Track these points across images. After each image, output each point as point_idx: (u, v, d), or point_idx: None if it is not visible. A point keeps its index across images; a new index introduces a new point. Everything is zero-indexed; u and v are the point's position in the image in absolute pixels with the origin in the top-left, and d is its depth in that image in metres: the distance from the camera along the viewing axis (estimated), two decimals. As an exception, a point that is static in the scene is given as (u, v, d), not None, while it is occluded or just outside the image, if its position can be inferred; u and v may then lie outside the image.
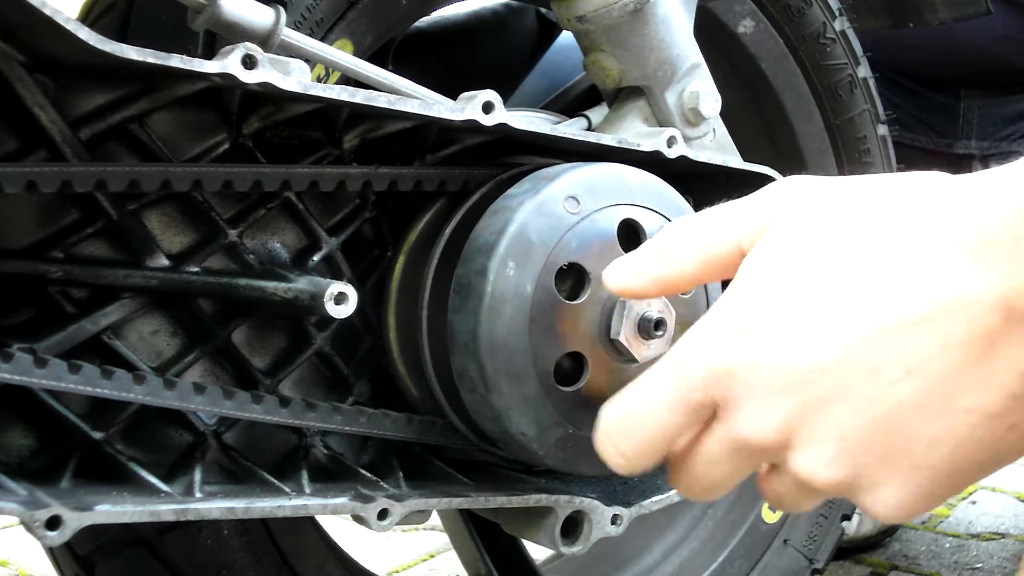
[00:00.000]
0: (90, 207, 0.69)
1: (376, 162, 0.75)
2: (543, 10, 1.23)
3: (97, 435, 0.70)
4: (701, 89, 0.89)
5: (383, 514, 0.67)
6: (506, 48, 1.24)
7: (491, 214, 0.70)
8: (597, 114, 0.97)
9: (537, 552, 1.07)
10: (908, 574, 1.59)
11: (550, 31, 1.25)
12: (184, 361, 0.73)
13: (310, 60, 0.77)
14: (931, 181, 0.50)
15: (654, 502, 0.79)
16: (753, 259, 0.52)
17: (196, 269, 0.72)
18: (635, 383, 0.55)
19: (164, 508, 0.61)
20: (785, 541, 1.21)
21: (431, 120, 0.71)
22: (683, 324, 0.62)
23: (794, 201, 0.53)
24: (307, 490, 0.69)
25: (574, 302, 0.68)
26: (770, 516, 1.20)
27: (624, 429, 0.55)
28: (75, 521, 0.56)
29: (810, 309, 0.49)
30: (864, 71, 1.16)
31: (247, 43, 0.63)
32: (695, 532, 1.20)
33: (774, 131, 1.17)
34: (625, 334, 0.68)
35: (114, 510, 0.58)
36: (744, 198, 0.55)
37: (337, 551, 0.96)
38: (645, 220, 0.72)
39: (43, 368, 0.60)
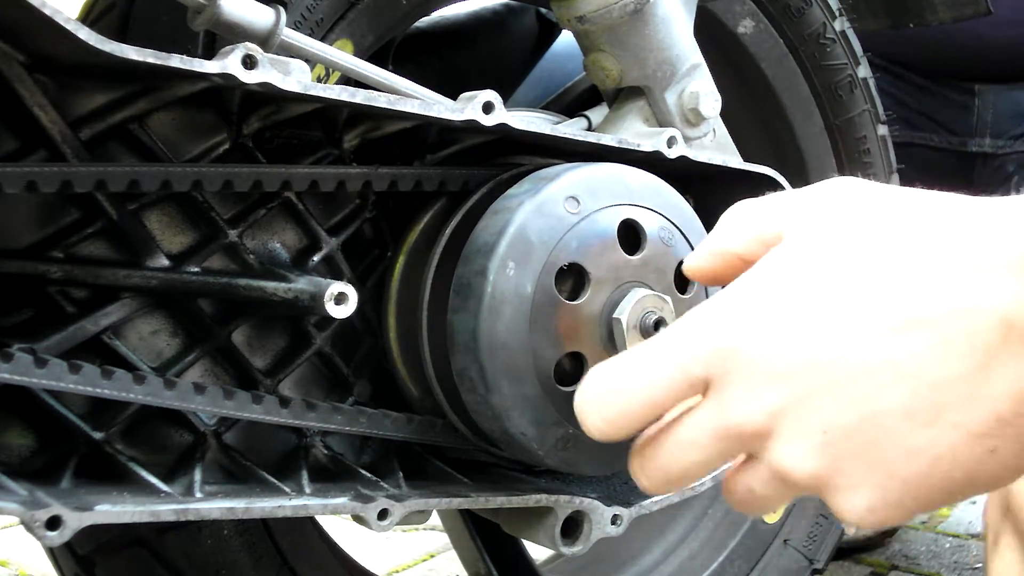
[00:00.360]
0: (90, 207, 0.69)
1: (376, 162, 0.75)
2: (543, 10, 1.23)
3: (97, 435, 0.70)
4: (701, 89, 0.89)
5: (383, 514, 0.67)
6: (506, 48, 1.24)
7: (491, 214, 0.70)
8: (597, 114, 0.97)
9: (537, 552, 1.07)
10: (908, 574, 1.59)
11: (550, 31, 1.25)
12: (184, 361, 0.73)
13: (310, 60, 0.77)
14: (957, 201, 0.50)
15: (654, 502, 0.79)
16: (777, 250, 0.53)
17: (196, 269, 0.72)
18: (631, 351, 0.55)
19: (164, 508, 0.61)
20: (785, 541, 1.21)
21: (431, 120, 0.71)
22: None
23: (831, 203, 0.53)
24: (307, 490, 0.69)
25: (574, 302, 0.68)
26: (770, 516, 1.20)
27: (612, 392, 0.54)
28: (75, 521, 0.56)
29: (819, 304, 0.49)
30: (864, 71, 1.17)
31: (247, 43, 0.63)
32: (695, 532, 1.20)
33: (774, 131, 1.17)
34: (627, 334, 0.68)
35: (114, 510, 0.58)
36: (800, 190, 0.56)
37: (337, 551, 0.96)
38: (645, 220, 0.72)
39: (43, 368, 0.60)
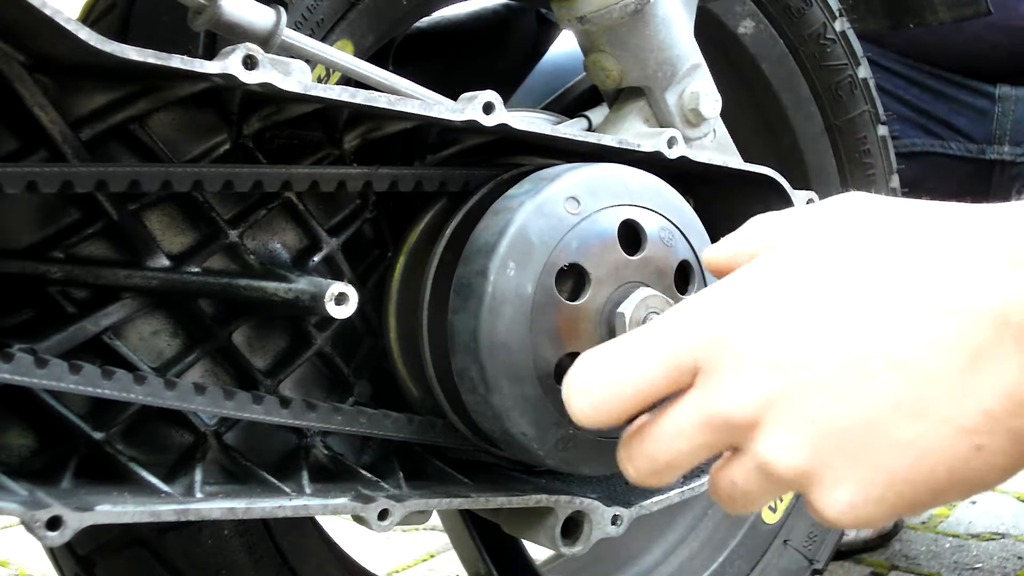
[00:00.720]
0: (90, 207, 0.69)
1: (376, 162, 0.75)
2: (543, 10, 1.23)
3: (98, 435, 0.70)
4: (701, 89, 0.89)
5: (383, 514, 0.67)
6: (506, 48, 1.24)
7: (491, 215, 0.70)
8: (597, 115, 0.97)
9: (537, 552, 1.07)
10: (908, 574, 1.59)
11: (550, 31, 1.25)
12: (185, 361, 0.73)
13: (311, 61, 0.77)
14: (952, 206, 0.51)
15: (654, 502, 0.79)
16: (773, 249, 0.54)
17: (197, 269, 0.72)
18: (621, 338, 0.55)
19: (164, 508, 0.61)
20: (785, 541, 1.21)
21: (432, 120, 0.71)
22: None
23: (833, 211, 0.54)
24: (307, 490, 0.69)
25: (574, 303, 0.68)
26: (770, 516, 1.20)
27: (601, 377, 0.55)
28: (76, 521, 0.56)
29: (811, 296, 0.50)
30: (864, 71, 1.16)
31: (248, 44, 0.63)
32: (695, 532, 1.20)
33: (774, 131, 1.17)
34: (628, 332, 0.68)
35: (114, 510, 0.58)
36: (815, 203, 0.58)
37: (337, 551, 0.96)
38: (645, 221, 0.72)
39: (43, 368, 0.60)
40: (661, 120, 0.89)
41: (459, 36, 1.21)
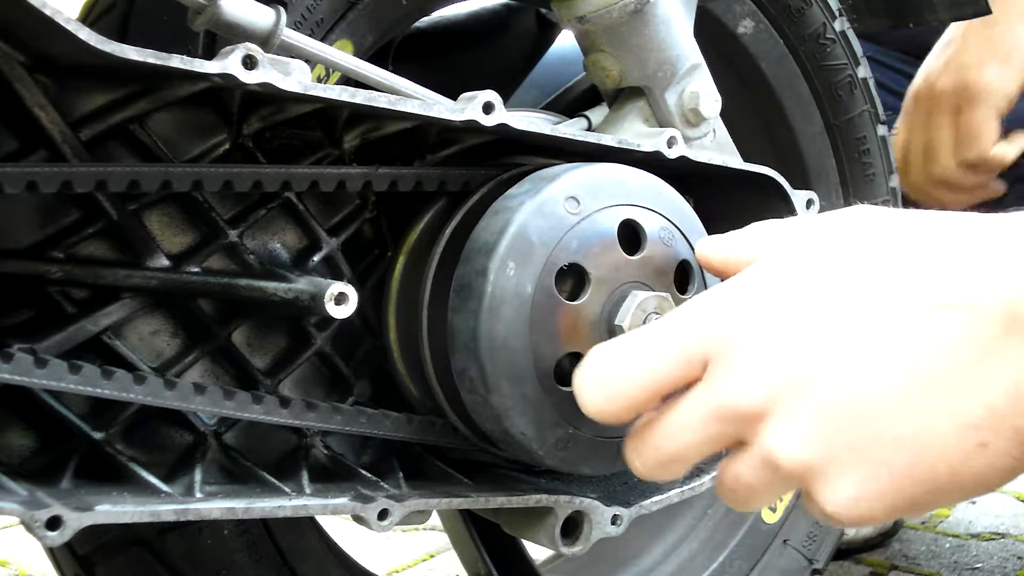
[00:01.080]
0: (90, 207, 0.69)
1: (376, 162, 0.75)
2: (543, 10, 1.23)
3: (97, 435, 0.70)
4: (701, 89, 0.89)
5: (383, 514, 0.67)
6: (506, 48, 1.24)
7: (491, 214, 0.70)
8: (597, 114, 0.97)
9: (537, 552, 1.07)
10: (908, 574, 1.59)
11: (550, 31, 1.25)
12: (184, 361, 0.73)
13: (310, 60, 0.77)
14: (959, 214, 0.51)
15: (654, 502, 0.79)
16: (782, 249, 0.54)
17: (196, 269, 0.72)
18: (632, 333, 0.57)
19: (164, 508, 0.61)
20: (785, 541, 1.21)
21: (431, 120, 0.71)
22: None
23: (841, 218, 0.55)
24: (307, 490, 0.69)
25: (574, 302, 0.68)
26: (770, 516, 1.20)
27: (614, 370, 0.55)
28: (75, 521, 0.56)
29: (819, 291, 0.50)
30: (864, 71, 1.16)
31: (247, 43, 0.63)
32: (695, 532, 1.20)
33: (774, 131, 1.17)
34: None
35: (114, 510, 0.58)
36: (821, 214, 0.58)
37: (337, 551, 0.96)
38: (645, 220, 0.72)
39: (43, 368, 0.60)
40: (661, 120, 0.89)
41: (459, 36, 1.21)
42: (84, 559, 0.84)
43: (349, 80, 0.83)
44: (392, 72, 0.82)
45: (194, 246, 0.73)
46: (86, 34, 0.58)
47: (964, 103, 1.41)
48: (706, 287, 0.74)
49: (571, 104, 1.08)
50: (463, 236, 0.71)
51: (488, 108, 0.71)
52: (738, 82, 1.14)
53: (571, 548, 0.76)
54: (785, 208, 0.85)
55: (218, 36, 0.79)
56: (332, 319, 0.66)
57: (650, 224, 0.72)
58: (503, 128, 0.71)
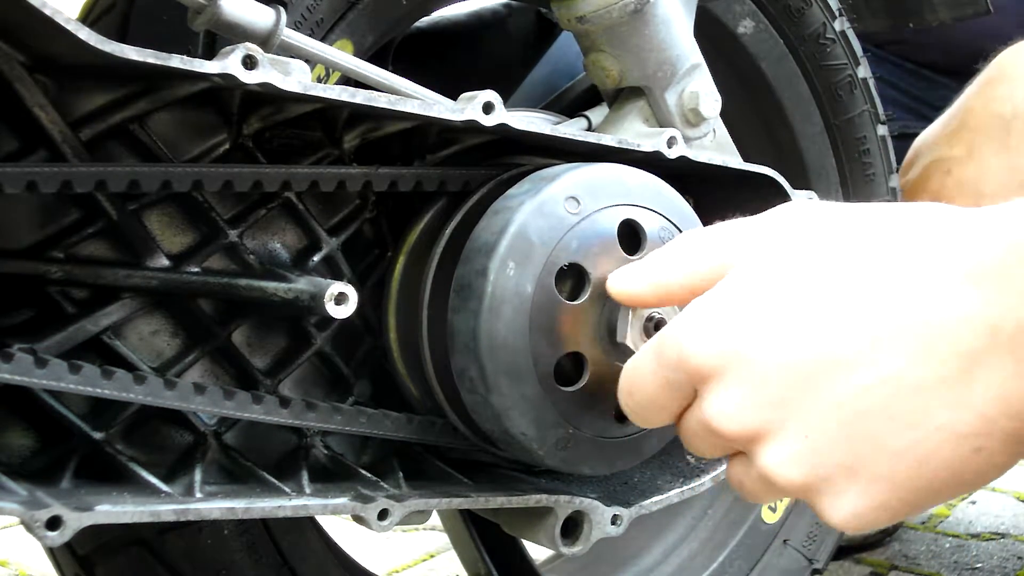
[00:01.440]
0: (90, 207, 0.69)
1: (376, 162, 0.75)
2: (543, 10, 1.23)
3: (97, 435, 0.70)
4: (701, 89, 0.89)
5: (383, 514, 0.67)
6: (506, 48, 1.24)
7: (491, 214, 0.70)
8: (597, 114, 0.97)
9: (537, 552, 1.07)
10: (908, 574, 1.59)
11: (550, 31, 1.25)
12: (184, 361, 0.73)
13: (310, 60, 0.77)
14: (930, 208, 0.50)
15: (654, 502, 0.79)
16: (746, 263, 0.54)
17: (196, 269, 0.72)
18: (639, 352, 0.58)
19: (164, 508, 0.61)
20: (785, 541, 1.21)
21: (431, 120, 0.71)
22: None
23: (793, 219, 0.54)
24: (307, 490, 0.69)
25: (574, 302, 0.68)
26: (770, 516, 1.20)
27: (628, 388, 0.59)
28: (75, 521, 0.56)
29: (793, 310, 0.50)
30: (864, 71, 1.16)
31: (247, 43, 0.63)
32: (695, 532, 1.20)
33: (774, 131, 1.17)
34: (631, 336, 0.68)
35: (114, 510, 0.58)
36: (746, 219, 0.57)
37: (337, 551, 0.96)
38: (645, 220, 0.72)
39: (43, 368, 0.60)
40: (661, 120, 0.89)
41: (459, 36, 1.21)
42: (84, 559, 0.84)
43: (349, 80, 0.83)
44: (392, 72, 0.82)
45: (194, 246, 0.73)
46: (86, 34, 0.58)
47: None
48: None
49: (571, 104, 1.08)
50: (463, 236, 0.71)
51: (488, 108, 0.71)
52: (738, 82, 1.14)
53: (571, 548, 0.76)
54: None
55: (218, 36, 0.79)
56: (332, 319, 0.66)
57: (650, 224, 0.72)
58: (503, 128, 0.71)
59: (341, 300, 0.66)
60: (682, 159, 0.79)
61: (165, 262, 0.72)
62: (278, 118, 0.73)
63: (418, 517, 0.71)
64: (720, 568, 1.18)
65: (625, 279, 0.62)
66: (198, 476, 0.68)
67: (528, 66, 1.22)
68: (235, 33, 0.73)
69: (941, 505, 1.79)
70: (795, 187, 0.85)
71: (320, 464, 0.77)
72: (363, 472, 0.74)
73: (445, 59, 1.19)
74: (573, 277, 0.69)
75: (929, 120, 1.78)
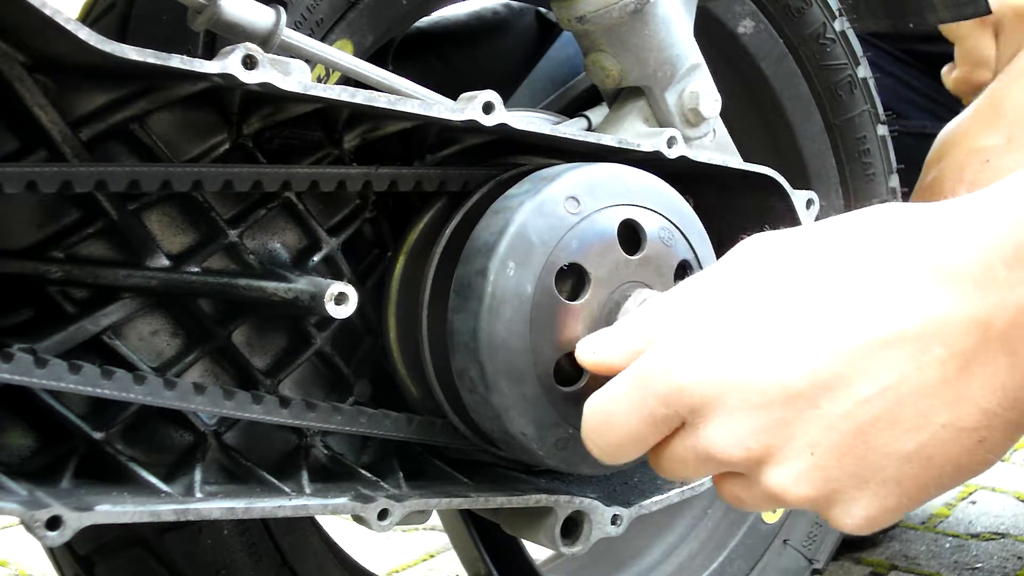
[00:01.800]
0: (90, 207, 0.69)
1: (376, 162, 0.75)
2: (543, 10, 1.23)
3: (97, 435, 0.70)
4: (701, 89, 0.89)
5: (383, 514, 0.67)
6: (506, 48, 1.24)
7: (491, 214, 0.70)
8: (597, 114, 0.97)
9: (537, 552, 1.07)
10: (908, 574, 1.59)
11: (550, 31, 1.25)
12: (184, 361, 0.73)
13: (310, 60, 0.77)
14: (896, 211, 0.50)
15: (654, 502, 0.79)
16: (719, 284, 0.53)
17: (196, 269, 0.72)
18: (611, 384, 0.56)
19: (164, 508, 0.61)
20: (785, 541, 1.21)
21: (431, 120, 0.71)
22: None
23: (765, 245, 0.54)
24: (307, 490, 0.69)
25: (574, 302, 0.68)
26: (770, 516, 1.20)
27: (600, 428, 0.57)
28: (75, 521, 0.56)
29: (780, 328, 0.50)
30: (864, 71, 1.16)
31: (247, 43, 0.63)
32: (695, 532, 1.20)
33: (774, 131, 1.17)
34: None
35: (114, 510, 0.58)
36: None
37: (337, 551, 0.96)
38: (645, 220, 0.72)
39: (43, 368, 0.60)
40: (661, 120, 0.89)
41: (459, 36, 1.21)
42: (84, 559, 0.84)
43: (349, 80, 0.83)
44: (392, 72, 0.82)
45: (194, 246, 0.73)
46: (86, 34, 0.58)
47: None
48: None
49: (571, 104, 1.08)
50: (463, 236, 0.71)
51: (488, 108, 0.71)
52: (738, 82, 1.14)
53: (571, 548, 0.76)
54: (785, 208, 0.85)
55: (218, 36, 0.79)
56: (332, 319, 0.66)
57: (650, 224, 0.72)
58: (503, 128, 0.71)
59: (341, 300, 0.66)
60: (682, 159, 0.79)
61: (165, 262, 0.72)
62: (278, 118, 0.73)
63: (418, 517, 0.71)
64: (720, 568, 1.18)
65: (595, 347, 0.61)
66: (198, 476, 0.68)
67: (528, 66, 1.22)
68: (235, 33, 0.73)
69: (941, 505, 1.79)
70: (795, 187, 0.85)
71: (320, 464, 0.77)
72: (363, 472, 0.74)
73: (445, 59, 1.19)
74: (573, 277, 0.69)
75: (946, 120, 1.78)
